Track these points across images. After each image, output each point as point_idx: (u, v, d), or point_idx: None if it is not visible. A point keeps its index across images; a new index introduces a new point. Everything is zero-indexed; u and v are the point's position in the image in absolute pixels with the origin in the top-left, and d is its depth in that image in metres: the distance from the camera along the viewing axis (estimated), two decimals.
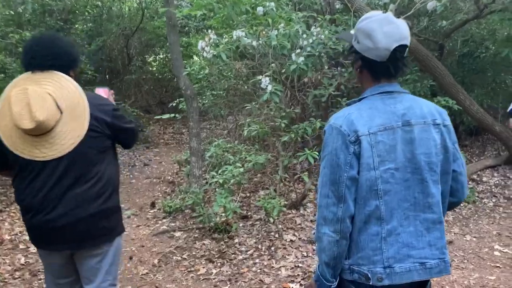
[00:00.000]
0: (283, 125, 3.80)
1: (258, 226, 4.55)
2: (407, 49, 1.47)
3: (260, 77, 3.56)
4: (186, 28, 9.59)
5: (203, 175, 5.02)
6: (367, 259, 1.42)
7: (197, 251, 4.18)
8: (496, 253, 4.07)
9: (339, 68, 4.50)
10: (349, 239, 1.44)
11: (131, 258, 4.07)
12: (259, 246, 4.16)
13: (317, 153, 3.83)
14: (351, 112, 1.45)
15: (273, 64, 3.84)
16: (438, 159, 1.46)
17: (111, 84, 9.89)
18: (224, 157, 4.24)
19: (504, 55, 6.04)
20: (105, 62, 10.38)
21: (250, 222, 4.66)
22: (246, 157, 4.00)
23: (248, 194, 5.37)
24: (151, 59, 11.85)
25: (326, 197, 1.42)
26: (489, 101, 6.64)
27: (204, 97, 6.09)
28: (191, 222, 4.79)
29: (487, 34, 6.60)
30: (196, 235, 4.49)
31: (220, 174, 3.90)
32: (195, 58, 8.10)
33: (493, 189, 5.70)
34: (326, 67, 4.29)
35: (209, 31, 3.82)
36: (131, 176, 6.93)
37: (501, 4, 5.36)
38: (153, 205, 5.49)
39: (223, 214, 4.19)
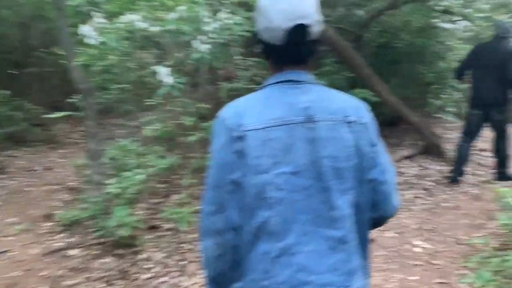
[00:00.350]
0: (190, 123, 3.29)
1: (168, 238, 4.01)
2: (311, 30, 1.20)
3: (156, 67, 3.02)
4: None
5: (104, 181, 4.36)
6: (256, 284, 1.16)
7: (96, 272, 3.56)
8: (417, 249, 3.91)
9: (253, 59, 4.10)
10: (237, 255, 1.19)
11: None
12: (168, 261, 3.64)
13: None
14: (242, 102, 1.23)
15: (177, 53, 3.33)
16: (350, 164, 1.19)
17: (9, 78, 8.71)
18: (125, 161, 3.65)
19: (418, 44, 6.01)
20: (2, 53, 9.14)
21: (159, 233, 4.11)
22: (149, 161, 3.44)
23: (158, 200, 4.80)
24: (60, 51, 10.65)
25: (208, 204, 1.20)
26: (405, 91, 6.60)
27: (108, 92, 5.38)
28: (91, 237, 4.13)
29: (401, 25, 6.54)
30: (96, 252, 3.85)
31: (118, 182, 3.32)
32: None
33: (411, 180, 5.63)
34: (239, 57, 3.84)
35: (96, 14, 3.19)
36: (26, 183, 6.03)
37: None
38: (48, 217, 4.72)
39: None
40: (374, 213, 1.29)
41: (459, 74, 5.26)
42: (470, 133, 5.11)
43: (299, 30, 1.17)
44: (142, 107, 4.49)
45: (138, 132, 4.07)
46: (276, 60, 1.28)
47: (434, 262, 3.65)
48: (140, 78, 4.34)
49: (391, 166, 1.34)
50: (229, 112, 1.21)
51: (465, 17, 6.06)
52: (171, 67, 3.12)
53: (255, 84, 4.15)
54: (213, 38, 3.08)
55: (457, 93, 7.76)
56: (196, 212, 3.83)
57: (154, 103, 3.65)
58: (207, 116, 3.63)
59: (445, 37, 7.04)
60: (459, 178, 5.27)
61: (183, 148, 3.77)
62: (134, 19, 3.14)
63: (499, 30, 4.76)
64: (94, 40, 3.10)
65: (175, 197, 4.78)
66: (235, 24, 3.18)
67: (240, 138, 1.15)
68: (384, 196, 1.28)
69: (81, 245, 3.98)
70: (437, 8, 5.86)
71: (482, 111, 4.88)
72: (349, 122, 1.21)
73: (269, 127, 1.15)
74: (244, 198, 1.14)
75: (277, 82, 1.24)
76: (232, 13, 3.54)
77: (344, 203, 1.18)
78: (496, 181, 5.12)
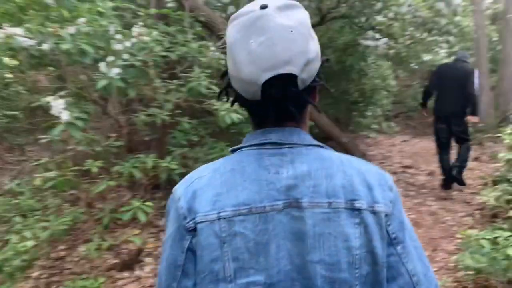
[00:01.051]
0: (95, 169, 2.49)
1: None
2: (299, 80, 0.81)
3: (48, 98, 2.20)
4: None
5: None
6: None
7: None
8: None
9: (175, 81, 3.39)
10: None
11: None
12: None
13: (150, 205, 2.65)
14: (202, 175, 0.86)
15: (82, 76, 2.52)
16: (355, 275, 0.80)
17: None
18: (8, 218, 2.72)
19: (344, 62, 5.73)
20: None
21: None
22: (39, 220, 2.57)
23: (63, 253, 3.85)
24: None
25: None
26: (335, 111, 6.30)
27: None
28: None
29: (327, 41, 6.24)
30: None
31: None
32: None
33: None
34: (158, 81, 3.12)
35: None
36: None
37: (346, 8, 4.93)
38: None
39: None
40: None
41: (427, 98, 5.72)
42: (442, 146, 5.50)
43: (280, 85, 0.80)
44: (36, 141, 3.54)
45: (28, 177, 3.16)
46: (252, 115, 0.92)
47: None
48: (33, 105, 3.42)
49: (429, 275, 0.87)
50: (182, 188, 0.87)
51: (390, 36, 5.91)
52: (70, 96, 2.32)
53: (181, 110, 3.45)
54: (125, 59, 2.35)
55: (379, 109, 7.72)
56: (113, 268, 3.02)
57: (49, 139, 2.80)
58: (119, 155, 2.84)
59: (367, 54, 6.92)
60: (452, 185, 5.62)
61: (88, 199, 2.92)
62: (17, 33, 2.30)
63: (460, 55, 5.51)
64: None
65: (81, 249, 3.87)
66: (154, 41, 2.47)
67: (191, 232, 0.82)
68: None
69: None
70: (364, 25, 5.62)
71: (445, 124, 5.32)
72: (357, 210, 0.81)
73: (231, 217, 0.80)
74: None
75: (253, 145, 0.87)
76: (150, 27, 2.83)
77: None
78: (445, 188, 5.51)
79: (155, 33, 2.52)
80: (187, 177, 0.90)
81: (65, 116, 2.20)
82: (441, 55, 10.22)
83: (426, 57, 9.65)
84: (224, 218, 0.80)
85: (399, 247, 0.83)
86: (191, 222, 0.82)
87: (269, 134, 0.85)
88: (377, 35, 6.10)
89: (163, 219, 3.80)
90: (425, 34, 6.71)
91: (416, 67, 11.05)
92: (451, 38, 6.23)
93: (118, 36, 2.38)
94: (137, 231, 3.33)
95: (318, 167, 0.82)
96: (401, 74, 11.42)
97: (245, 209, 0.80)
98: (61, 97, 2.23)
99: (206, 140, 4.42)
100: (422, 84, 11.76)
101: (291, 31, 0.79)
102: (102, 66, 2.30)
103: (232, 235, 0.79)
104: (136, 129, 3.43)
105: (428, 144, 9.04)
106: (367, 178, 0.84)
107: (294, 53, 0.79)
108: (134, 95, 2.53)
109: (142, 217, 2.54)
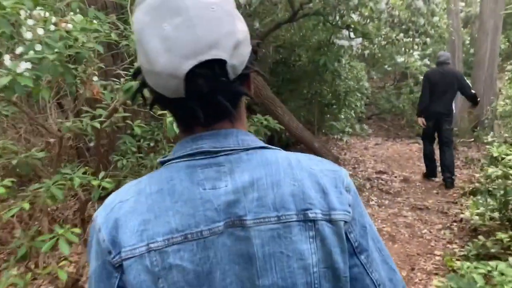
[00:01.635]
0: (2, 190, 1.91)
1: None
2: (229, 66, 0.68)
3: None
4: None
5: None
6: None
7: None
8: None
9: (122, 80, 2.86)
10: None
11: None
12: None
13: (77, 231, 2.11)
14: (124, 198, 0.73)
15: None
16: None
17: None
18: None
19: (321, 64, 5.28)
20: None
21: None
22: None
23: None
24: None
25: None
26: (306, 113, 5.84)
27: None
28: None
29: (300, 40, 5.78)
30: None
31: None
32: None
33: None
34: (95, 79, 2.58)
35: None
36: None
37: (320, 4, 4.46)
38: None
39: None
40: None
41: (423, 106, 5.76)
42: (428, 137, 5.92)
43: (206, 75, 0.66)
44: None
45: None
46: (178, 120, 0.76)
47: None
48: None
49: (395, 279, 0.79)
50: (103, 215, 0.72)
51: (365, 35, 5.50)
52: None
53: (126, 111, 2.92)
54: (39, 51, 1.80)
55: (353, 112, 7.35)
56: None
57: None
58: (37, 175, 2.26)
59: (341, 54, 6.53)
60: (432, 178, 6.04)
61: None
62: None
63: (442, 57, 5.66)
64: None
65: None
66: (77, 29, 1.91)
67: (120, 268, 0.68)
68: None
69: None
70: (338, 24, 5.18)
71: (434, 122, 5.69)
72: (311, 221, 0.71)
73: (163, 248, 0.67)
74: None
75: (183, 157, 0.72)
76: (72, 6, 2.27)
77: None
78: (447, 188, 5.62)
79: (79, 16, 1.96)
80: (107, 200, 0.75)
81: None
82: (415, 57, 10.01)
83: (400, 58, 9.39)
84: (155, 250, 0.68)
85: (362, 257, 0.76)
86: (117, 257, 0.68)
87: (200, 140, 0.72)
88: (352, 35, 5.70)
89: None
90: (401, 35, 6.35)
91: (389, 68, 10.82)
92: (428, 40, 5.87)
93: (30, 22, 1.83)
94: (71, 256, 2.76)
95: (262, 175, 0.72)
96: (374, 75, 11.17)
97: (179, 237, 0.68)
98: None
99: (163, 145, 3.93)
100: (395, 86, 11.58)
101: (213, 8, 0.66)
102: (6, 59, 1.75)
103: (167, 269, 0.68)
104: (78, 135, 2.86)
105: (402, 148, 8.77)
106: (320, 180, 0.74)
107: (220, 35, 0.66)
108: (48, 97, 1.98)
109: (65, 249, 2.00)
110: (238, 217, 0.69)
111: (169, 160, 0.74)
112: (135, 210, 0.70)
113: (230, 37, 0.66)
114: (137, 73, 0.73)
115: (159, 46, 0.65)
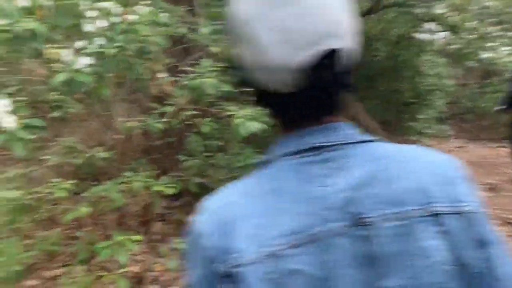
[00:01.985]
0: (62, 193, 1.79)
1: None
2: (344, 56, 0.65)
3: None
4: None
5: None
6: None
7: None
8: None
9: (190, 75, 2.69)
10: None
11: None
12: None
13: (139, 239, 1.96)
14: (230, 201, 0.69)
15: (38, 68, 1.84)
16: None
17: None
18: None
19: (401, 60, 4.81)
20: None
21: None
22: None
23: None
24: None
25: None
26: (383, 113, 5.42)
27: None
28: None
29: (379, 33, 5.33)
30: None
31: None
32: None
33: None
34: (163, 75, 2.42)
35: None
36: None
37: None
38: None
39: None
40: None
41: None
42: None
43: (325, 66, 0.63)
44: None
45: None
46: (285, 115, 0.72)
47: None
48: None
49: None
50: (207, 222, 0.67)
51: (452, 28, 4.91)
52: (16, 96, 1.64)
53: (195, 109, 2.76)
54: (102, 45, 1.64)
55: (433, 112, 6.74)
56: None
57: None
58: (101, 175, 2.12)
59: (422, 49, 5.96)
60: None
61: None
62: None
63: None
64: None
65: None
66: (141, 21, 1.72)
67: (230, 278, 0.63)
68: None
69: None
70: (423, 16, 4.67)
71: None
72: (436, 215, 0.65)
73: (282, 251, 0.63)
74: None
75: (290, 154, 0.69)
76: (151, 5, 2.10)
77: None
78: None
79: (147, 10, 1.78)
80: (208, 203, 0.70)
81: (9, 122, 1.53)
82: (503, 53, 9.00)
83: (485, 54, 8.49)
84: (272, 255, 0.63)
85: (489, 250, 0.67)
86: (228, 265, 0.64)
87: (309, 136, 0.68)
88: (434, 28, 5.16)
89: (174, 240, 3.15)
90: (491, 28, 5.65)
91: (474, 65, 9.86)
92: None
93: (91, 13, 1.67)
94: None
95: (375, 169, 0.66)
96: (456, 72, 10.31)
97: (298, 239, 0.64)
98: (9, 95, 1.55)
99: (232, 145, 3.75)
100: (482, 84, 10.56)
101: None
102: (65, 54, 1.60)
103: (286, 275, 0.63)
104: (127, 143, 2.74)
105: (487, 152, 7.95)
106: (437, 171, 0.68)
107: (336, 24, 0.63)
108: (106, 95, 1.81)
109: (122, 258, 1.84)
110: (356, 215, 0.66)
111: (267, 162, 0.71)
112: (244, 213, 0.67)
113: (346, 26, 0.65)
114: (236, 71, 0.71)
115: (273, 37, 0.63)
